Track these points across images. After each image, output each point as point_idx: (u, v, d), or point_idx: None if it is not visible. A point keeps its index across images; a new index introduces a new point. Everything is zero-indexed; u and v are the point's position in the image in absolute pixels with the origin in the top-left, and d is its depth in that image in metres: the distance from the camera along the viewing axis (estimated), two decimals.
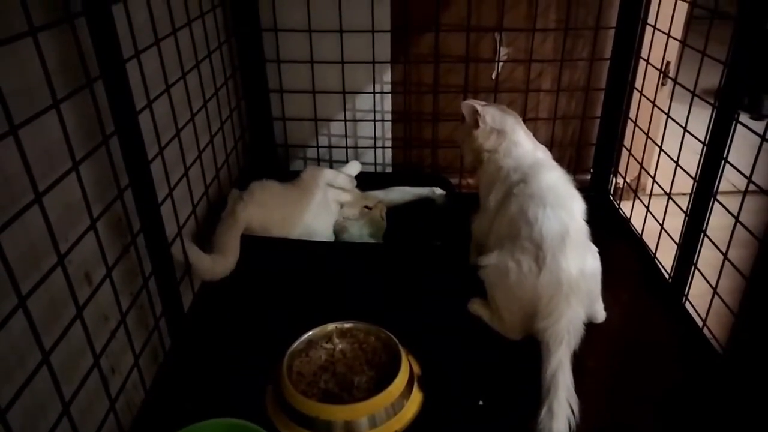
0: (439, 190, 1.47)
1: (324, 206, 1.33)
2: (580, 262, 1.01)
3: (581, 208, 1.08)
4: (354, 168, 1.52)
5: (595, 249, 1.07)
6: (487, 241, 1.14)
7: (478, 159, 1.21)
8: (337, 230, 1.36)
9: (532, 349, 1.05)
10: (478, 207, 1.21)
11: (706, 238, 1.14)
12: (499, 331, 1.09)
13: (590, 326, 1.03)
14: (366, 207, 1.38)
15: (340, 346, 1.01)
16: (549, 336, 0.96)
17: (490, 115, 1.17)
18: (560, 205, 1.04)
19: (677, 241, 1.23)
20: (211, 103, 1.27)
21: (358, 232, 1.34)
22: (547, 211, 1.03)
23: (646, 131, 1.42)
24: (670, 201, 1.27)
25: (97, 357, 0.79)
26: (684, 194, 1.21)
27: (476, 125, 1.18)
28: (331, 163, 1.69)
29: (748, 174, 0.99)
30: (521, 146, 1.16)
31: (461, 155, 1.29)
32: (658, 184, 1.33)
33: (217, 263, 1.15)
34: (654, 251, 1.34)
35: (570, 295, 0.99)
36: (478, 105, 1.18)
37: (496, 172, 1.15)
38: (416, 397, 0.94)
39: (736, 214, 1.03)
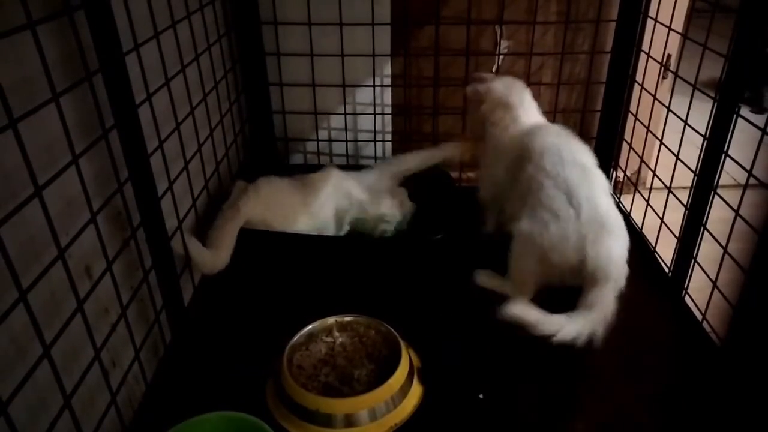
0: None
1: (329, 209, 1.32)
2: (609, 200, 1.07)
3: (593, 159, 1.12)
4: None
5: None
6: (509, 208, 1.17)
7: (483, 129, 1.26)
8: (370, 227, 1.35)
9: (531, 343, 1.06)
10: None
11: (706, 231, 1.14)
12: (511, 295, 1.09)
13: None
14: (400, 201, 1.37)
15: (340, 340, 1.01)
16: (597, 272, 1.00)
17: (496, 89, 1.22)
18: (576, 153, 1.10)
19: (677, 235, 1.23)
20: (211, 97, 1.26)
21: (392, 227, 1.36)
22: (566, 162, 1.07)
23: (646, 125, 1.42)
24: (671, 195, 1.27)
25: (98, 350, 0.79)
26: (684, 188, 1.21)
27: (482, 101, 1.23)
28: (331, 157, 1.69)
29: (748, 167, 0.99)
30: (528, 117, 1.22)
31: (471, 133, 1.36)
32: (659, 178, 1.33)
33: (214, 257, 1.14)
34: (654, 245, 1.34)
35: (612, 230, 1.03)
36: (481, 86, 1.24)
37: (503, 139, 1.20)
38: (416, 390, 0.95)
39: (736, 208, 1.03)
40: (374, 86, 1.59)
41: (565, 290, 1.05)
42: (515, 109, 1.22)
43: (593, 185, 1.06)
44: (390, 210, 1.35)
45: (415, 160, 1.43)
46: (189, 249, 1.08)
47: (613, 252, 1.02)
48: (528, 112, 1.23)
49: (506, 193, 1.19)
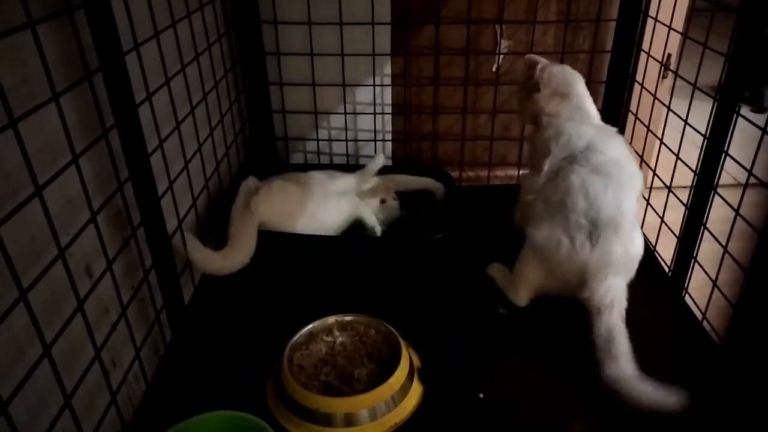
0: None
1: (331, 208, 1.31)
2: (629, 244, 1.04)
3: (640, 187, 1.09)
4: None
5: (640, 232, 1.09)
6: (534, 206, 1.12)
7: (536, 122, 1.20)
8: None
9: (531, 344, 1.06)
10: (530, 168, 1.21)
11: (706, 231, 1.14)
12: (509, 295, 1.13)
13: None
14: (382, 200, 1.36)
15: (340, 339, 1.01)
16: (597, 303, 1.01)
17: (554, 77, 1.16)
18: (623, 185, 1.05)
19: (677, 235, 1.23)
20: (211, 96, 1.26)
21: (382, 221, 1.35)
22: (609, 191, 1.03)
23: (646, 124, 1.42)
24: (671, 194, 1.27)
25: (98, 350, 0.79)
26: (684, 187, 1.21)
27: (537, 89, 1.16)
28: (331, 156, 1.69)
29: (748, 167, 0.99)
30: (585, 111, 1.16)
31: (521, 120, 1.31)
32: (659, 177, 1.33)
33: (225, 257, 1.15)
34: (654, 244, 1.34)
35: (617, 273, 1.03)
36: (540, 62, 1.18)
37: (556, 136, 1.12)
38: (416, 389, 0.95)
39: (736, 207, 1.03)
40: (374, 86, 1.58)
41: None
42: (575, 98, 1.15)
43: (619, 228, 1.02)
44: (370, 215, 1.34)
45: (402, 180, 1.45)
46: (189, 251, 1.08)
47: (613, 287, 1.02)
48: (586, 103, 1.17)
49: (543, 189, 1.12)
